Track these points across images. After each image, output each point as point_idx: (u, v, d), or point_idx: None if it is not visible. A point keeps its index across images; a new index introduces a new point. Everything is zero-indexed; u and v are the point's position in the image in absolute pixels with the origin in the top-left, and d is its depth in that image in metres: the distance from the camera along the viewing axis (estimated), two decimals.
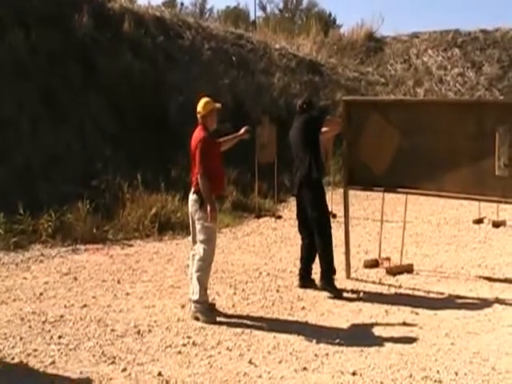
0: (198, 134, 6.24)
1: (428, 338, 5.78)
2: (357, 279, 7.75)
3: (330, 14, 37.80)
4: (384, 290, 7.40)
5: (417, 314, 6.53)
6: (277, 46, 19.70)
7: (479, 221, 11.36)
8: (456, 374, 4.98)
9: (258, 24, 31.24)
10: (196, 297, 6.08)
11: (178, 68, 14.96)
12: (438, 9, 48.65)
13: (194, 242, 6.27)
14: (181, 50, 15.89)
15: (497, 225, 11.08)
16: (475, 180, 6.88)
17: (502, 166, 6.69)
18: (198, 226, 6.14)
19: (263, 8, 39.12)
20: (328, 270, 7.09)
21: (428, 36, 21.67)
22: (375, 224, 10.76)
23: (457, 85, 19.88)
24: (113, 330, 5.81)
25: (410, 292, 7.34)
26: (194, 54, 16.09)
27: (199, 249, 6.10)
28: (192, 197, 6.19)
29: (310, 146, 7.07)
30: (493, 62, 20.06)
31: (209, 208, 5.96)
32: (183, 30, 16.81)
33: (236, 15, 37.32)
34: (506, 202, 6.98)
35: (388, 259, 8.52)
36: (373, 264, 8.42)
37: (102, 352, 5.29)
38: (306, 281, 7.30)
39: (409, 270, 8.24)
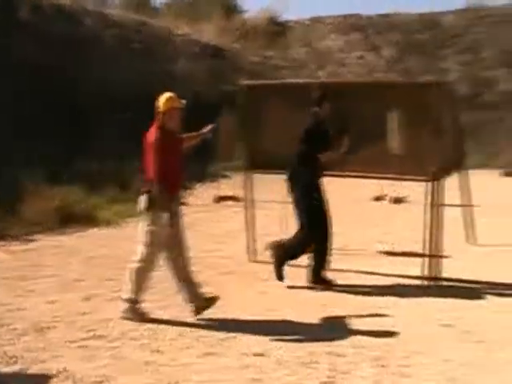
0: (152, 131, 5.83)
1: (331, 314, 5.96)
2: (261, 261, 7.86)
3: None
4: (287, 270, 7.53)
5: (317, 290, 6.76)
6: (180, 32, 19.56)
7: (379, 198, 11.76)
8: (354, 348, 5.15)
9: (161, 10, 30.85)
10: (127, 295, 5.88)
11: (79, 56, 14.62)
12: None
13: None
14: (81, 37, 15.52)
15: (397, 201, 11.51)
16: (374, 159, 7.10)
17: (396, 145, 6.94)
18: (142, 227, 5.85)
19: None
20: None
21: (330, 20, 22.07)
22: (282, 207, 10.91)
23: (357, 68, 20.38)
24: (14, 329, 5.65)
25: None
26: (95, 41, 15.76)
27: (140, 250, 5.84)
28: (142, 197, 5.82)
29: None
30: (391, 44, 20.67)
31: (166, 214, 5.65)
32: (83, 17, 16.42)
33: (138, 1, 36.63)
34: (403, 179, 7.25)
35: None
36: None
37: (4, 352, 5.14)
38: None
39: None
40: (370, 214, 10.66)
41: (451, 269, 7.43)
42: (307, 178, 6.79)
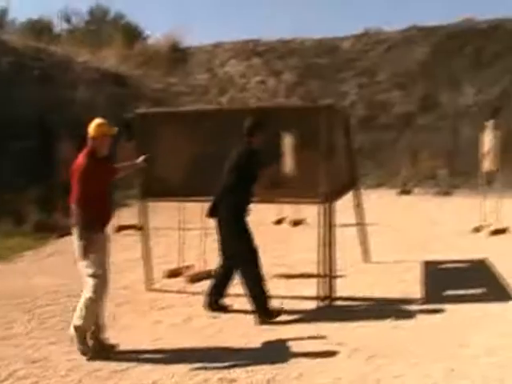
0: (80, 158, 5.67)
1: (227, 340, 5.97)
2: (159, 290, 7.79)
3: (137, 26, 37.51)
4: (185, 297, 7.52)
5: (215, 318, 6.73)
6: (80, 60, 19.29)
7: (280, 221, 11.92)
8: (247, 372, 5.18)
9: (63, 37, 30.35)
10: (78, 322, 5.60)
11: None
12: (241, 19, 50.54)
13: None
14: None
15: (296, 223, 11.71)
16: (269, 183, 7.20)
17: (290, 168, 7.08)
18: (81, 260, 5.66)
19: (68, 20, 37.83)
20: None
21: (231, 46, 22.34)
22: (183, 233, 10.87)
23: (258, 92, 20.69)
24: None
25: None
26: None
27: (85, 284, 5.64)
28: (73, 230, 5.68)
29: None
30: (291, 69, 21.13)
31: (81, 242, 5.54)
32: None
33: (40, 28, 35.91)
34: (296, 202, 7.39)
35: (190, 267, 8.65)
36: (175, 273, 8.51)
37: None
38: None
39: (210, 275, 8.42)
40: (270, 237, 10.78)
41: (346, 287, 7.63)
42: (236, 209, 6.65)
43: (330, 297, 7.10)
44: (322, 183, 6.91)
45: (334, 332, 6.09)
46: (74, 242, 5.67)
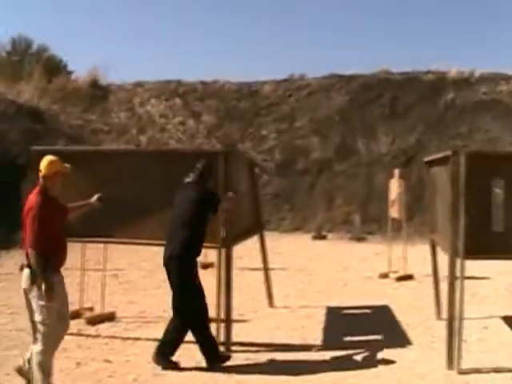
0: (33, 197, 5.37)
1: None
2: None
3: (61, 60, 37.01)
4: (81, 340, 7.24)
5: (109, 361, 6.49)
6: None
7: (207, 265, 11.74)
8: None
9: None
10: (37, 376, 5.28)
11: None
12: (162, 60, 51.12)
13: (32, 322, 5.42)
14: None
15: (204, 267, 11.55)
16: (162, 226, 7.07)
17: None
18: (33, 305, 5.32)
19: None
20: None
21: (152, 85, 22.27)
22: (92, 274, 10.59)
23: (178, 133, 20.64)
24: None
25: (108, 340, 7.28)
26: None
27: (38, 331, 5.32)
28: (25, 272, 5.35)
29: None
30: (211, 111, 21.21)
31: (43, 286, 5.19)
32: None
33: None
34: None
35: (91, 309, 8.39)
36: (73, 315, 8.20)
37: None
38: None
39: (110, 318, 8.19)
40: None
41: (247, 332, 7.56)
42: (192, 264, 6.36)
43: (226, 343, 6.95)
44: (221, 228, 6.85)
45: (229, 377, 5.98)
46: (26, 283, 5.34)
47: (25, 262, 5.38)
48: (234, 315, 8.54)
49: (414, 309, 9.05)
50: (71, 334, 7.39)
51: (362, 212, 17.83)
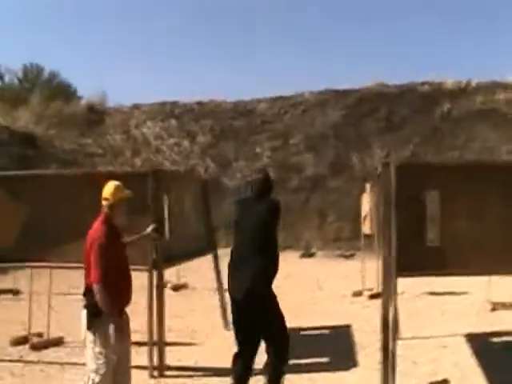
0: (97, 228, 4.85)
1: None
2: None
3: (70, 86, 37.38)
4: (17, 367, 7.12)
5: None
6: None
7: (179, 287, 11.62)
8: None
9: None
10: None
11: None
12: (160, 81, 51.79)
13: None
14: None
15: (176, 288, 11.43)
16: None
17: None
18: (88, 351, 4.74)
19: (0, 77, 37.39)
20: None
21: (148, 107, 22.32)
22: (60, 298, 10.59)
23: (173, 154, 20.61)
24: None
25: (44, 367, 7.17)
26: None
27: (89, 381, 4.73)
28: (83, 313, 4.76)
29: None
30: (206, 131, 21.15)
31: (111, 327, 4.60)
32: None
33: None
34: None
35: (40, 334, 8.27)
36: (20, 341, 8.09)
37: None
38: None
39: (57, 343, 8.05)
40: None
41: (192, 356, 7.37)
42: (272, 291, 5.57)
43: (159, 367, 6.74)
44: (152, 249, 6.68)
45: None
46: (83, 325, 4.75)
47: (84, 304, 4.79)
48: (186, 338, 8.41)
49: (375, 328, 8.72)
50: (10, 361, 7.31)
51: (354, 228, 17.47)
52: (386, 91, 20.53)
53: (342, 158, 19.48)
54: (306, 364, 7.14)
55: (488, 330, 8.60)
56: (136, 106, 22.39)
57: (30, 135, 19.60)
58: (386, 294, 6.17)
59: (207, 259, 8.86)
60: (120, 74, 53.96)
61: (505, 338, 8.27)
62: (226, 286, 8.90)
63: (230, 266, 5.51)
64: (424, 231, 6.09)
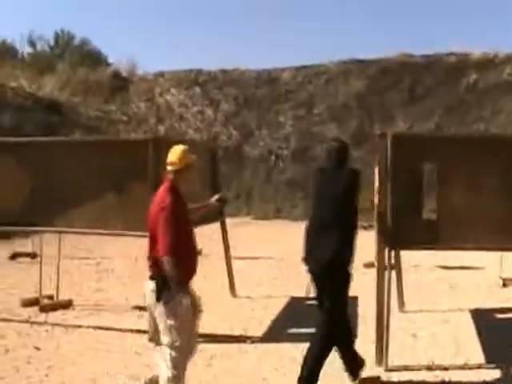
0: (162, 195, 4.56)
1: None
2: (5, 319, 7.60)
3: (100, 53, 37.54)
4: (24, 328, 7.32)
5: (38, 349, 6.56)
6: (12, 85, 19.21)
7: None
8: None
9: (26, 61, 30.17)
10: None
11: None
12: (185, 49, 51.89)
13: (153, 341, 4.78)
14: None
15: None
16: (98, 214, 7.09)
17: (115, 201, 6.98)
18: (160, 325, 4.54)
19: (33, 44, 37.70)
20: None
21: (172, 75, 22.34)
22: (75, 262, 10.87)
23: (196, 122, 20.67)
24: None
25: (49, 327, 7.35)
26: None
27: (165, 355, 4.53)
28: (149, 285, 4.56)
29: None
30: (230, 99, 21.14)
31: (184, 300, 4.42)
32: None
33: (3, 50, 35.81)
34: (125, 235, 7.25)
35: (50, 297, 8.48)
36: (31, 302, 8.31)
37: None
38: None
39: (65, 305, 8.25)
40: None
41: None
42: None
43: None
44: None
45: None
46: (151, 299, 4.56)
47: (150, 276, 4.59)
48: None
49: None
50: (18, 322, 7.54)
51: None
52: (411, 61, 20.22)
53: (365, 128, 19.32)
54: (305, 334, 7.19)
55: (495, 306, 8.55)
56: (160, 74, 22.44)
57: (55, 102, 19.82)
58: (381, 267, 6.18)
59: (217, 226, 8.93)
60: (149, 43, 53.90)
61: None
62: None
63: (308, 236, 5.42)
64: (420, 204, 6.06)
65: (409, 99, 19.52)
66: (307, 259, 5.41)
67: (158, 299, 4.44)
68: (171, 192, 4.51)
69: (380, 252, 6.21)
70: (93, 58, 33.84)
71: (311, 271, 5.40)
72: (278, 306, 8.46)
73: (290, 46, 48.05)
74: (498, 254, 9.45)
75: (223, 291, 9.09)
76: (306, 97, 20.64)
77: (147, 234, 5.29)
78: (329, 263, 5.20)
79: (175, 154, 4.62)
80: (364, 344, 6.68)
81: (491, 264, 10.39)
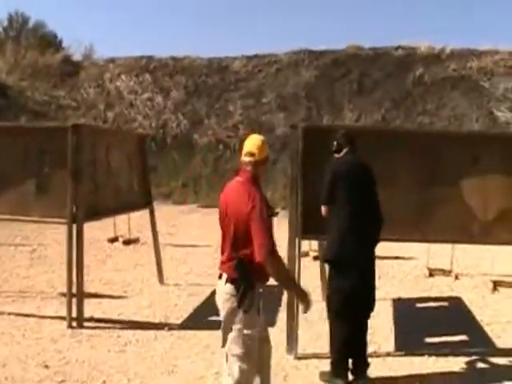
0: (242, 191, 4.04)
1: None
2: None
3: (55, 36, 36.99)
4: None
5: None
6: None
7: (114, 239, 11.73)
8: None
9: None
10: None
11: None
12: (137, 35, 51.75)
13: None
14: None
15: (128, 242, 11.56)
16: (19, 201, 7.08)
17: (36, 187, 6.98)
18: (233, 333, 4.08)
19: None
20: None
21: (123, 61, 22.20)
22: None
23: (146, 109, 20.59)
24: None
25: None
26: None
27: (233, 367, 4.06)
28: (225, 288, 4.09)
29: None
30: (180, 87, 21.10)
31: (260, 303, 4.09)
32: None
33: None
34: (44, 222, 7.25)
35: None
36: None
37: None
38: None
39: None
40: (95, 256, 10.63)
41: (116, 309, 7.60)
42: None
43: (78, 318, 6.92)
44: (70, 202, 6.78)
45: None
46: (227, 302, 4.11)
47: (224, 275, 4.14)
48: (118, 291, 8.59)
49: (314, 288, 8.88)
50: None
51: None
52: (360, 54, 20.46)
53: (314, 119, 19.48)
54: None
55: (419, 295, 8.79)
56: (111, 60, 22.28)
57: (2, 85, 19.50)
58: (291, 256, 6.31)
59: (163, 214, 9.00)
60: (105, 28, 53.37)
61: (431, 304, 8.48)
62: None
63: (346, 233, 5.44)
64: None
65: (357, 91, 19.76)
66: (344, 255, 5.46)
67: (240, 305, 4.03)
68: (256, 186, 4.07)
69: (290, 241, 6.34)
70: (47, 42, 33.43)
71: (357, 266, 5.47)
72: (204, 294, 8.53)
73: (242, 35, 47.98)
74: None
75: (152, 279, 9.15)
76: (255, 86, 20.73)
77: (65, 220, 5.21)
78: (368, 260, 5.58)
79: (254, 143, 4.17)
80: (279, 331, 6.81)
81: (422, 254, 10.61)
